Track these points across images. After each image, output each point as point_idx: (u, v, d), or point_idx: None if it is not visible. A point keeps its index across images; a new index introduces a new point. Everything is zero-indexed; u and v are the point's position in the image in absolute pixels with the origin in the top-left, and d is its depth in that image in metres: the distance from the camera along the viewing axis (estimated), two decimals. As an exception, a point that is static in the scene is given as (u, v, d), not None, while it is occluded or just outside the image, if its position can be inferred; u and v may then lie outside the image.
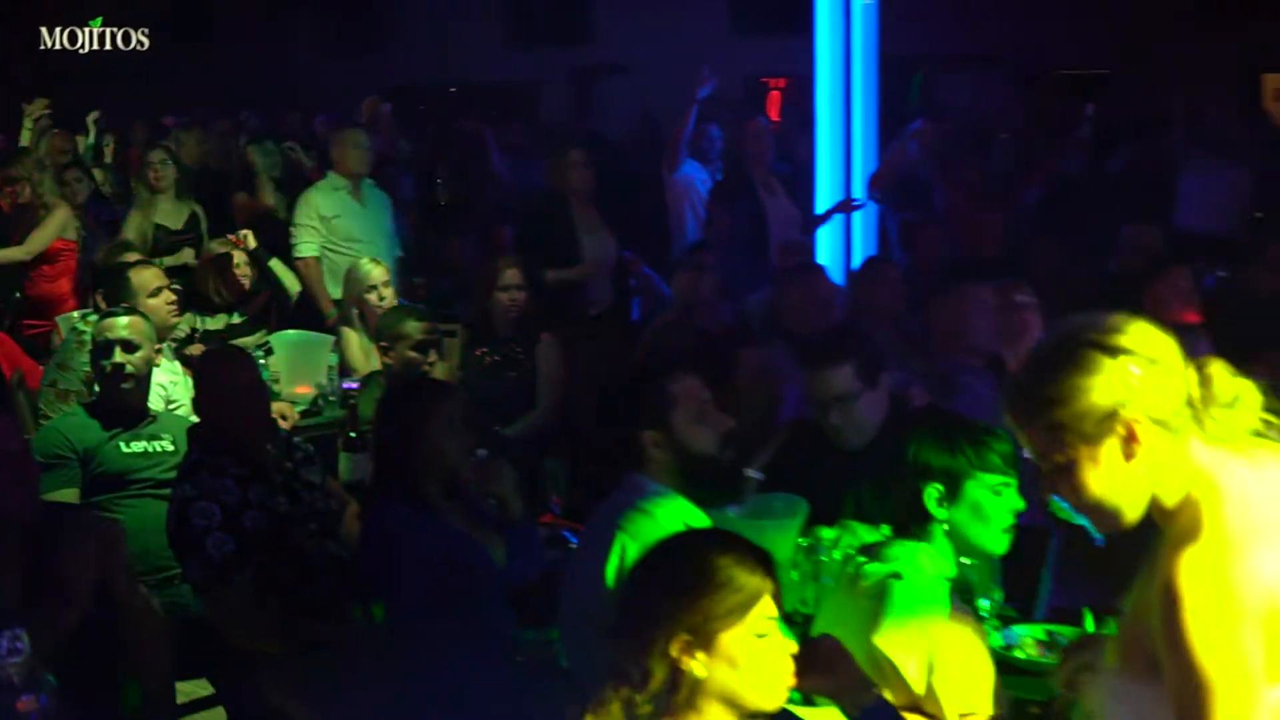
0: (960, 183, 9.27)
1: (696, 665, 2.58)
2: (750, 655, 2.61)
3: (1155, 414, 2.33)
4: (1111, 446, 2.34)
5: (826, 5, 9.20)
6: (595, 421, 5.49)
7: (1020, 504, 3.65)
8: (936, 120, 10.27)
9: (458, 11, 17.69)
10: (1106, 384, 2.33)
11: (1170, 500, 2.36)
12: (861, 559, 3.61)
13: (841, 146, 9.31)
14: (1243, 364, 2.48)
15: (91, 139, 13.26)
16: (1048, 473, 2.42)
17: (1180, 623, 2.21)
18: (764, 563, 2.70)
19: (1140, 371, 2.33)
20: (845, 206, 8.98)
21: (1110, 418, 2.32)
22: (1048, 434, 2.38)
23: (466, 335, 7.13)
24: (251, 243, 7.66)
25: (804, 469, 4.88)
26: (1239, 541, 2.26)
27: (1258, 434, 2.40)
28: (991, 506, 3.61)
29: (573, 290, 8.08)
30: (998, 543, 3.67)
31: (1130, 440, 2.32)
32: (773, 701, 2.70)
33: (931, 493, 3.55)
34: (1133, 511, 2.37)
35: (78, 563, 3.96)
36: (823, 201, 9.27)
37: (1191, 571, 2.23)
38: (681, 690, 2.60)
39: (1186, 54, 14.78)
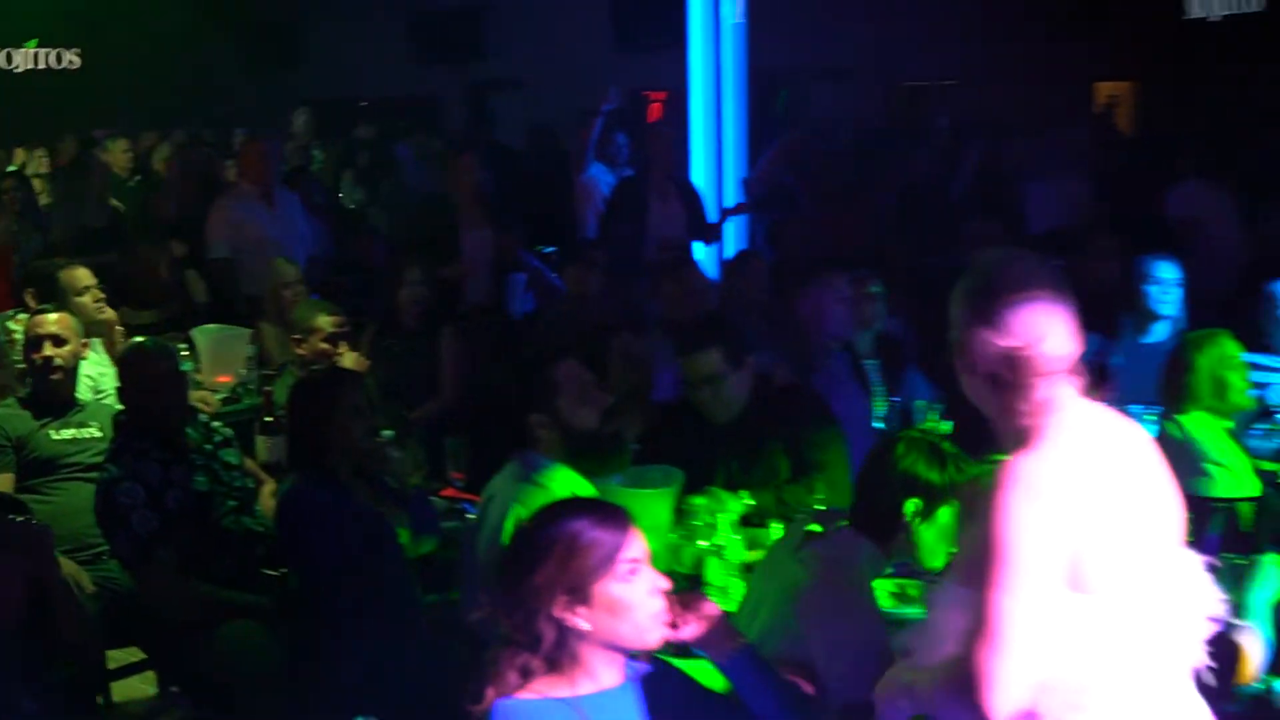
0: (821, 187, 9.31)
1: (580, 620, 2.56)
2: (625, 599, 2.60)
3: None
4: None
5: (699, 24, 9.26)
6: (490, 404, 5.45)
7: None
8: (800, 129, 10.36)
9: (365, 32, 17.71)
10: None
11: (1013, 421, 2.48)
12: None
13: (714, 153, 9.38)
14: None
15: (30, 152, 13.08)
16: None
17: (998, 504, 2.32)
18: (618, 515, 2.71)
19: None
20: (741, 209, 9.18)
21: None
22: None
23: (375, 328, 7.06)
24: (176, 249, 7.61)
25: (679, 443, 4.88)
26: (1059, 461, 2.37)
27: None
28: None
29: (456, 285, 8.03)
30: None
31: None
32: (652, 637, 2.69)
33: (910, 506, 3.46)
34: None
35: (7, 571, 3.89)
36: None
37: (1013, 470, 2.36)
38: (568, 645, 2.58)
39: (1032, 64, 14.96)
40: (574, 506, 2.85)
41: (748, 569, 4.25)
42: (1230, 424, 5.19)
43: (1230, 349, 5.13)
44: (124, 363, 5.15)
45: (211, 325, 7.46)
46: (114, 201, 9.96)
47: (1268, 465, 5.28)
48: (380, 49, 17.88)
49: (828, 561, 3.44)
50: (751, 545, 4.44)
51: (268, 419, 5.74)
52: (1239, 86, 13.58)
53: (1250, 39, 13.98)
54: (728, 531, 4.37)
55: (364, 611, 4.16)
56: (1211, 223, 8.39)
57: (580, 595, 2.57)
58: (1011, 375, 2.45)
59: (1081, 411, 2.50)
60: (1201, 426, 5.07)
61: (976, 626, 2.30)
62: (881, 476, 3.53)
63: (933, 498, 3.45)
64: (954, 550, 3.25)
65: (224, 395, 6.86)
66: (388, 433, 5.17)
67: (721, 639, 2.91)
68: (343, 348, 6.25)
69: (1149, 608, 2.44)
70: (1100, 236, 7.38)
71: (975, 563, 2.39)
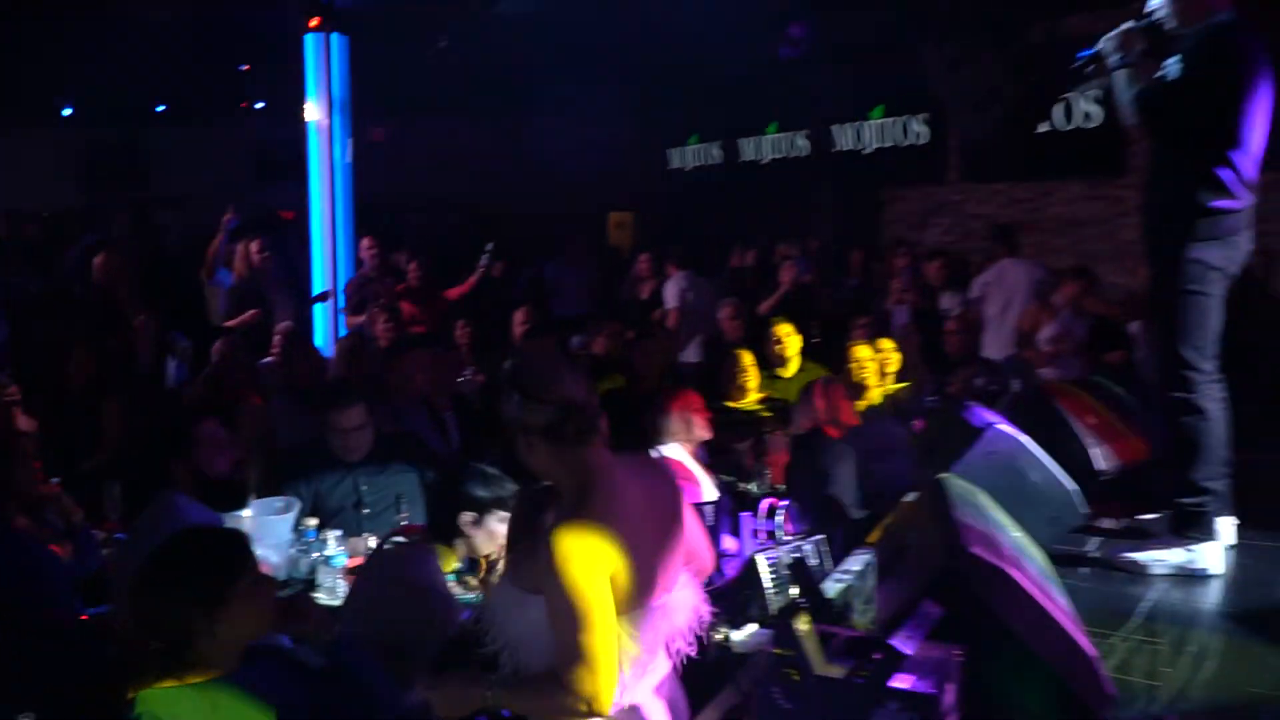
0: (399, 288, 9.30)
1: (218, 627, 2.45)
2: (246, 604, 2.50)
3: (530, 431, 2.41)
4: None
5: (315, 162, 9.17)
6: (143, 455, 5.09)
7: None
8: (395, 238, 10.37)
9: (45, 157, 16.60)
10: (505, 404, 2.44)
11: (564, 481, 2.43)
12: None
13: (329, 256, 9.27)
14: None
15: None
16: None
17: (560, 569, 2.26)
18: (234, 538, 2.63)
19: (518, 401, 2.42)
20: (322, 298, 8.94)
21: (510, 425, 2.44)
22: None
23: (50, 396, 6.45)
24: None
25: (315, 476, 4.75)
26: (600, 520, 2.32)
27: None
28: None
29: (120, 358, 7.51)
30: None
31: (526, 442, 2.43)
32: (263, 633, 2.62)
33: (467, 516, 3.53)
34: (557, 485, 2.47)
35: None
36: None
37: (568, 537, 2.28)
38: (202, 643, 2.45)
39: (561, 198, 15.45)
40: (192, 536, 2.71)
41: (350, 572, 4.16)
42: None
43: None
44: None
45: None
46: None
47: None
48: (60, 169, 16.77)
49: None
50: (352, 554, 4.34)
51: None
52: (703, 213, 14.52)
53: (710, 186, 14.99)
54: (334, 544, 4.26)
55: (29, 625, 3.74)
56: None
57: (214, 602, 2.45)
58: (555, 439, 2.40)
59: (612, 466, 2.46)
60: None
61: (575, 660, 2.24)
62: (446, 496, 3.59)
63: (482, 509, 3.52)
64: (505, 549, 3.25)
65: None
66: (54, 479, 4.73)
67: (321, 629, 2.86)
68: (17, 414, 5.64)
69: (659, 619, 2.46)
70: (608, 321, 7.65)
71: (535, 576, 2.33)
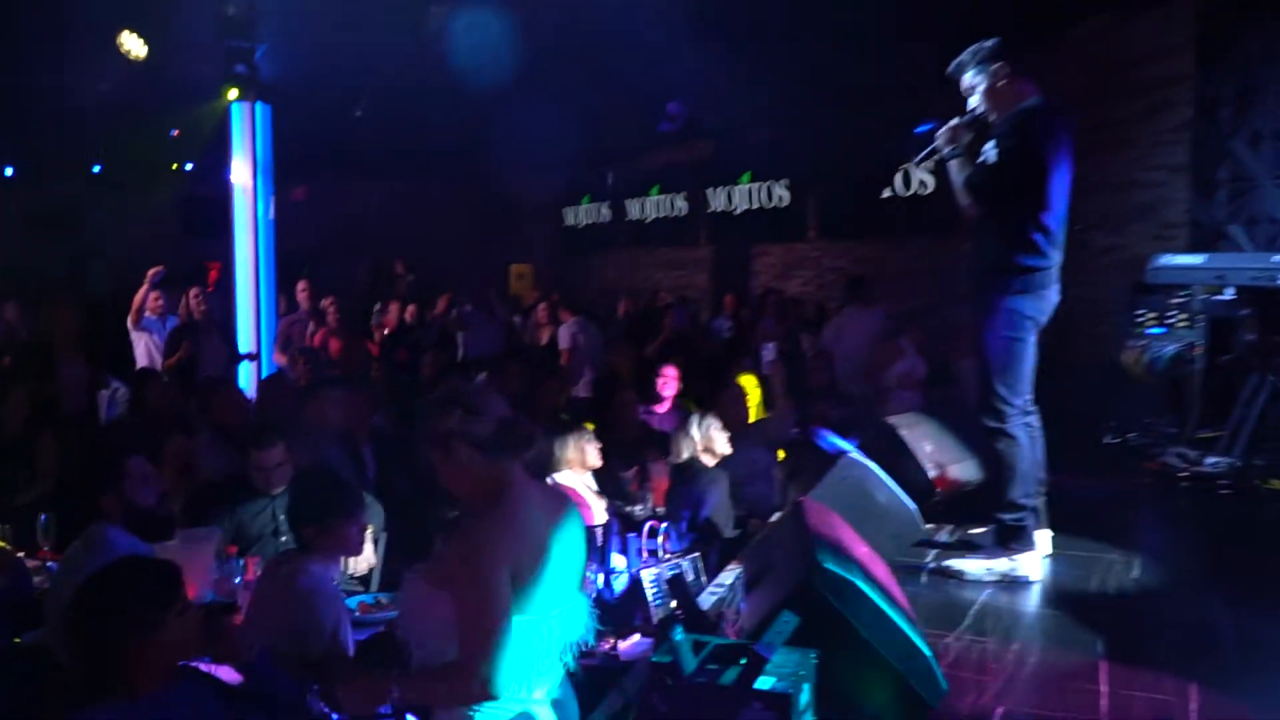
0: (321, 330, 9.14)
1: (149, 652, 2.36)
2: (174, 631, 2.41)
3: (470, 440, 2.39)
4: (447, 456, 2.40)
5: (242, 217, 8.96)
6: (75, 489, 4.87)
7: None
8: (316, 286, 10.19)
9: None
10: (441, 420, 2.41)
11: (481, 490, 2.40)
12: None
13: (252, 305, 9.03)
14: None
15: None
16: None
17: (467, 563, 2.27)
18: (166, 569, 2.53)
19: (459, 415, 2.40)
20: (251, 357, 8.74)
21: (445, 439, 2.39)
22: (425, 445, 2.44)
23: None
24: None
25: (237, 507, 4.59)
26: (509, 518, 2.34)
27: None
28: None
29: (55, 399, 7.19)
30: None
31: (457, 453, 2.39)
32: (188, 656, 2.56)
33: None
34: (469, 497, 2.43)
35: None
36: (244, 339, 8.95)
37: (476, 535, 2.31)
38: (134, 664, 2.36)
39: (467, 251, 15.40)
40: (131, 567, 2.61)
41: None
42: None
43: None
44: None
45: None
46: None
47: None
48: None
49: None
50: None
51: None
52: (592, 264, 14.56)
53: (599, 236, 15.02)
54: (254, 569, 4.13)
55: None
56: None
57: (146, 628, 2.36)
58: (493, 449, 2.40)
59: (525, 483, 2.46)
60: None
61: (474, 647, 2.25)
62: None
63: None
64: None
65: None
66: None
67: (243, 648, 2.79)
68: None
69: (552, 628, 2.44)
70: (511, 362, 7.61)
71: (443, 572, 2.33)
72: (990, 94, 3.94)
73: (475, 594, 2.27)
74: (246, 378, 8.54)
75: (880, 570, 3.14)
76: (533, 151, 13.68)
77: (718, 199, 12.82)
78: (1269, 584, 3.88)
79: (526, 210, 16.22)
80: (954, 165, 3.99)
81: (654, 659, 2.44)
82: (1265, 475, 5.28)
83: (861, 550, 3.18)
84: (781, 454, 6.08)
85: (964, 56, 3.98)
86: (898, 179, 10.12)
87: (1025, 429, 3.99)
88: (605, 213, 15.12)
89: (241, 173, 8.92)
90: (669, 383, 6.89)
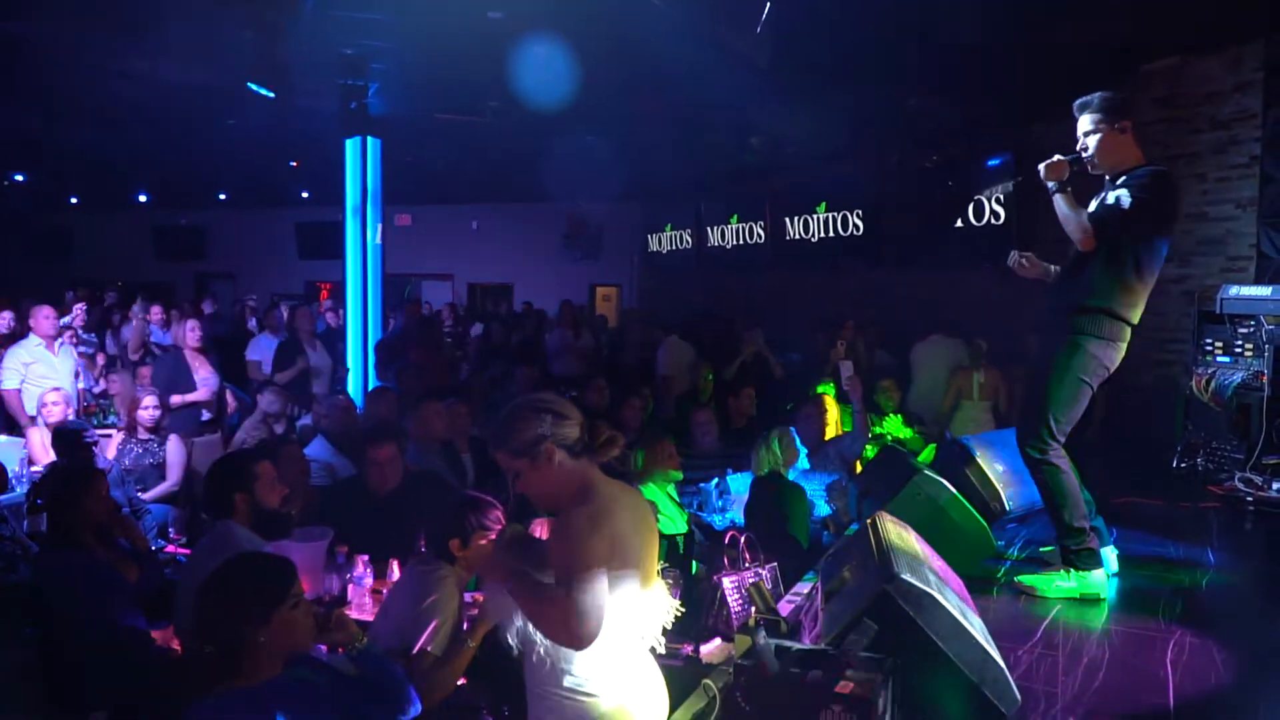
0: (426, 346, 9.35)
1: (265, 635, 2.45)
2: (291, 621, 2.51)
3: (562, 443, 2.44)
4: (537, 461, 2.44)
5: (353, 243, 9.22)
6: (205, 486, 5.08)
7: None
8: (417, 309, 10.38)
9: (118, 236, 16.65)
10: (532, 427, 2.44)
11: (570, 489, 2.44)
12: None
13: (361, 322, 9.27)
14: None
15: None
16: (513, 478, 2.50)
17: (570, 534, 2.32)
18: (284, 566, 2.61)
19: (551, 420, 2.45)
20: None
21: (536, 444, 2.43)
22: (508, 456, 2.47)
23: (123, 435, 6.42)
24: None
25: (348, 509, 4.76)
26: (602, 509, 2.37)
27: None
28: None
29: (193, 407, 7.47)
30: None
31: (550, 457, 2.43)
32: (308, 643, 2.63)
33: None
34: (556, 499, 2.46)
35: None
36: (353, 354, 9.19)
37: (576, 513, 2.35)
38: (250, 653, 2.44)
39: (554, 274, 15.53)
40: (249, 560, 2.73)
41: (374, 591, 4.17)
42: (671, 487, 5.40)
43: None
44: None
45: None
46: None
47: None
48: (129, 245, 16.85)
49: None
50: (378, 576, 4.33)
51: (37, 501, 5.10)
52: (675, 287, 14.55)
53: (679, 261, 15.02)
54: (362, 566, 4.28)
55: (97, 637, 3.70)
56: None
57: (263, 618, 2.46)
58: (581, 450, 2.47)
59: (608, 482, 2.51)
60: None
61: (576, 597, 2.28)
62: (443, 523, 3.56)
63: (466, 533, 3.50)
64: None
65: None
66: (126, 508, 4.71)
67: (350, 640, 2.87)
68: (92, 450, 5.64)
69: (638, 602, 2.47)
70: (597, 379, 7.68)
71: (545, 553, 2.40)
72: (1104, 142, 3.83)
73: (577, 557, 2.29)
74: (356, 389, 8.76)
75: (955, 583, 3.11)
76: (620, 183, 13.85)
77: (794, 227, 12.77)
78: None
79: (612, 236, 16.38)
80: (1060, 199, 3.83)
81: (738, 660, 2.46)
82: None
83: (937, 564, 3.15)
84: (858, 468, 6.05)
85: (1093, 98, 3.87)
86: (970, 209, 9.99)
87: (1065, 458, 3.88)
88: (687, 240, 15.17)
89: (353, 200, 9.20)
90: (746, 402, 6.91)
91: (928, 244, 10.33)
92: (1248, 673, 3.22)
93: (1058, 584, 3.89)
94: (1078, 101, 3.91)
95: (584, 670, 2.44)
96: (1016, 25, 6.61)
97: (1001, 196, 9.35)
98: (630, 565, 2.40)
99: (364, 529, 4.55)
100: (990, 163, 9.52)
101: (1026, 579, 3.96)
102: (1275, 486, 5.36)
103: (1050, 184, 3.87)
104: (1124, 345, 3.81)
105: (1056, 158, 3.89)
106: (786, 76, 7.38)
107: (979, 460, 4.75)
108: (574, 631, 2.27)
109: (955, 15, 6.34)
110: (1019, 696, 2.69)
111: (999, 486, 4.71)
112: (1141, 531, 4.72)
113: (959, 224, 9.89)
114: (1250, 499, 5.36)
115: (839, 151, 10.88)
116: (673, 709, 2.76)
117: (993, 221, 9.53)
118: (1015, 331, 7.75)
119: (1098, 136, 3.84)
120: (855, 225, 11.73)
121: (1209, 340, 6.25)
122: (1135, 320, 3.80)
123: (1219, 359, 6.14)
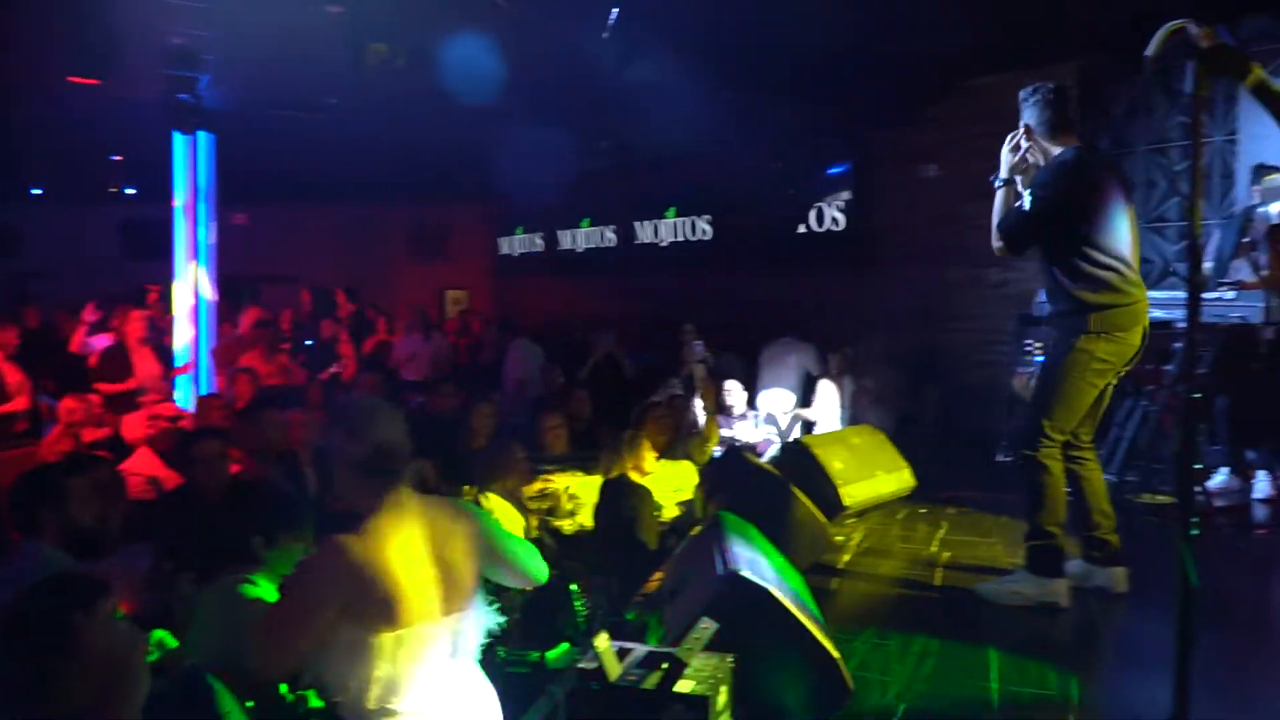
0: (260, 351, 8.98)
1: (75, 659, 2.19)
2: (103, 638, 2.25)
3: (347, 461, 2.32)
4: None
5: (181, 241, 8.78)
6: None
7: None
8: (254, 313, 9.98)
9: None
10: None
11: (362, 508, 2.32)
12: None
13: (193, 323, 8.86)
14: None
15: None
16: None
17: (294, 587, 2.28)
18: (94, 584, 2.36)
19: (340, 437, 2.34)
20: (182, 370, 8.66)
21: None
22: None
23: None
24: None
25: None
26: (367, 544, 2.26)
27: None
28: None
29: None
30: None
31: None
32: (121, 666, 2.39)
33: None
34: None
35: None
36: (181, 360, 8.75)
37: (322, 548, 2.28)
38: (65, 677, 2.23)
39: (401, 278, 15.24)
40: (66, 578, 2.53)
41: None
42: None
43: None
44: None
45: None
46: None
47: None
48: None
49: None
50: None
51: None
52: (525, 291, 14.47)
53: (531, 265, 14.97)
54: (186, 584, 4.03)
55: None
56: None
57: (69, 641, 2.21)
58: (365, 472, 2.32)
59: (405, 505, 2.34)
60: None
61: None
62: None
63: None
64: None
65: None
66: None
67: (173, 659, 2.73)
68: None
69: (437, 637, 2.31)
70: (445, 384, 7.53)
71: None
72: (1033, 136, 3.81)
73: (289, 610, 2.25)
74: (186, 395, 8.33)
75: (792, 579, 3.18)
76: (470, 184, 13.64)
77: (644, 232, 12.89)
78: (1142, 588, 3.95)
79: (461, 238, 16.16)
80: (999, 196, 3.78)
81: (580, 665, 2.44)
82: (1138, 490, 5.49)
83: (776, 560, 3.22)
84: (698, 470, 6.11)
85: (1024, 92, 3.86)
86: (811, 215, 10.29)
87: (1055, 460, 3.82)
88: (539, 243, 15.08)
89: (182, 198, 8.75)
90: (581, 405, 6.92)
91: (772, 249, 10.58)
92: (1068, 650, 3.41)
93: (1015, 590, 3.84)
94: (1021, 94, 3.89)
95: (384, 696, 2.28)
96: (852, 35, 6.85)
97: (842, 204, 9.68)
98: (413, 602, 2.26)
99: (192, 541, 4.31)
100: (830, 170, 9.84)
101: (985, 588, 3.93)
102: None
103: (998, 178, 3.81)
104: (1122, 334, 3.66)
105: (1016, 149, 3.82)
106: (635, 81, 7.43)
107: (818, 458, 4.89)
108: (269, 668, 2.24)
109: (797, 22, 6.51)
110: (852, 685, 2.78)
111: (838, 484, 4.87)
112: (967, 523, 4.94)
113: (801, 229, 10.18)
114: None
115: (687, 156, 11.03)
116: (516, 717, 2.72)
117: (832, 228, 9.85)
118: (855, 333, 8.04)
119: (1026, 127, 3.83)
120: (703, 230, 11.93)
121: (1029, 342, 6.63)
122: (1123, 300, 3.63)
123: (1037, 359, 6.52)
